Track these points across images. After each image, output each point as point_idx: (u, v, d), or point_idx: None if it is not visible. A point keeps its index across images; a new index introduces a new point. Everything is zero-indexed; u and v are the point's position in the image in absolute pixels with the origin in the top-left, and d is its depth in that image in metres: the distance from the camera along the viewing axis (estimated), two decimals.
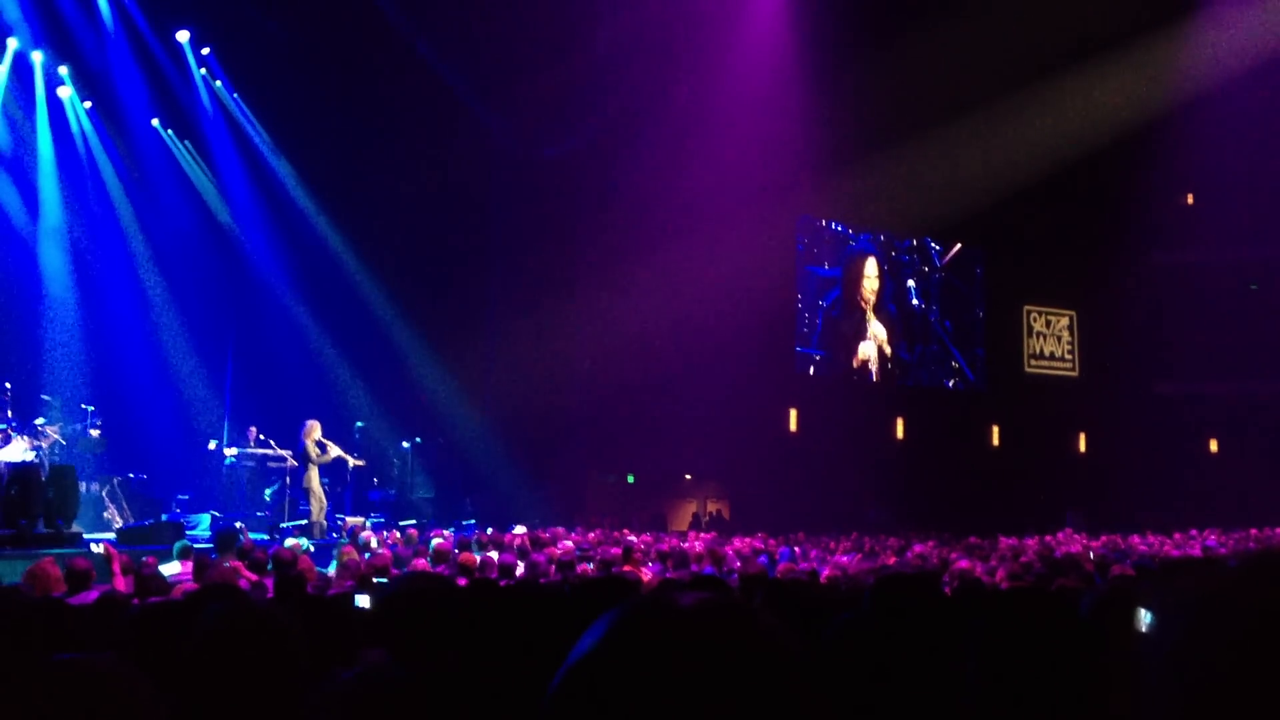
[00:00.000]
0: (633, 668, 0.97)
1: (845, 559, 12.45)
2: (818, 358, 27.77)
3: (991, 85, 24.18)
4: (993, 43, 22.66)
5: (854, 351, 28.44)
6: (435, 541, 11.43)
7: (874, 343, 28.66)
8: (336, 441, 17.61)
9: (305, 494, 16.88)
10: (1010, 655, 2.34)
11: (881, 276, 28.98)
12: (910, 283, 29.66)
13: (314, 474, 16.83)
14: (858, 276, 28.69)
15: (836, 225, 28.49)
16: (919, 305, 29.73)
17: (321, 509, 16.82)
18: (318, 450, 16.92)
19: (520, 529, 15.42)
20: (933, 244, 29.96)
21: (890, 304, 29.13)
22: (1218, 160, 27.16)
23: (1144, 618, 1.17)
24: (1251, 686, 1.04)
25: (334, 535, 16.43)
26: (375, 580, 7.73)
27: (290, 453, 17.68)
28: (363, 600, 5.85)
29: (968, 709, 2.38)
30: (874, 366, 28.63)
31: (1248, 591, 1.10)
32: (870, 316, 28.71)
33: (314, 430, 17.00)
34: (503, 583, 7.01)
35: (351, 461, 18.24)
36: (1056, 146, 25.81)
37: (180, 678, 2.48)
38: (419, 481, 21.83)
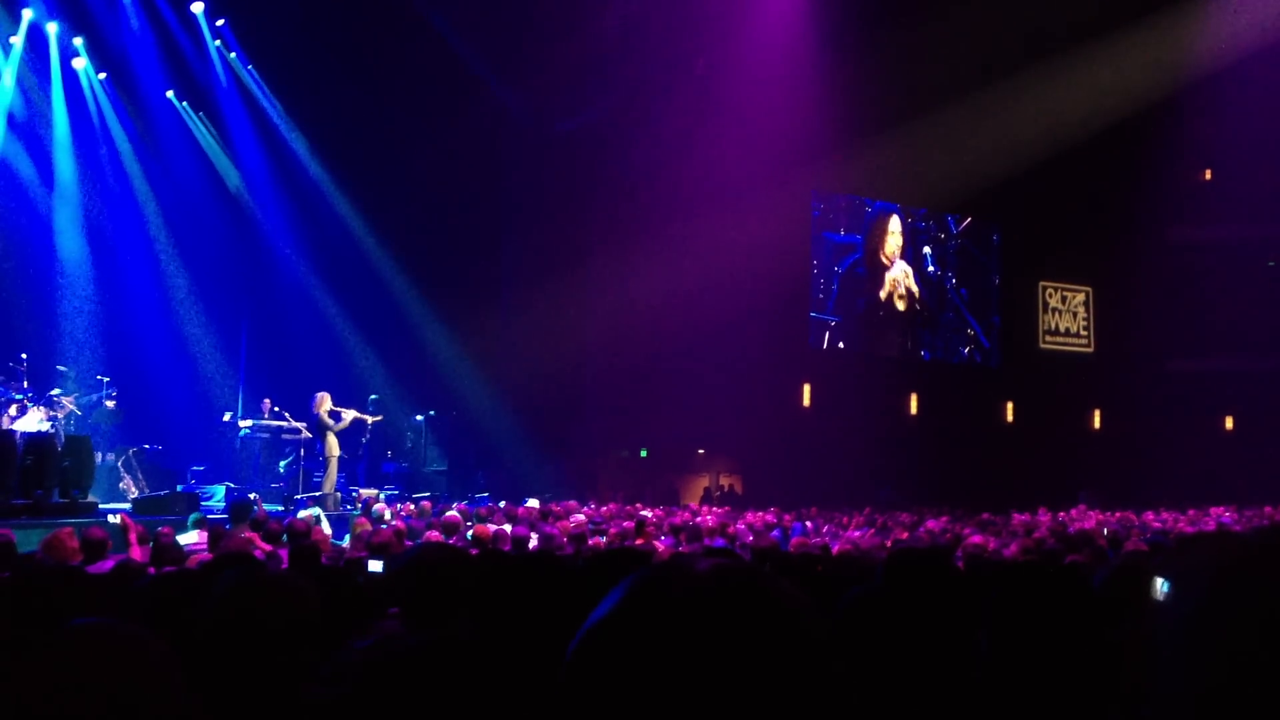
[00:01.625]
0: (650, 630, 0.97)
1: (857, 534, 12.46)
2: (833, 323, 27.68)
3: (1008, 59, 24.02)
4: (1009, 17, 22.50)
5: (880, 283, 28.46)
6: (448, 514, 11.43)
7: (900, 269, 28.65)
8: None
9: (326, 463, 16.97)
10: (1023, 628, 2.34)
11: (904, 233, 28.93)
12: (926, 249, 29.56)
13: (333, 442, 16.92)
14: (881, 234, 28.64)
15: (852, 198, 28.42)
16: (935, 272, 29.62)
17: (332, 481, 16.90)
18: (332, 420, 17.02)
19: (533, 502, 15.47)
20: (950, 218, 29.88)
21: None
22: (1236, 136, 26.93)
23: (1160, 587, 1.16)
24: (1267, 657, 1.04)
25: (348, 508, 16.51)
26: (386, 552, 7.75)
27: (304, 425, 17.76)
28: (375, 565, 5.88)
29: (981, 681, 2.38)
30: (901, 292, 28.59)
31: (1264, 563, 1.10)
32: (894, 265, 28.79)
33: (324, 402, 17.06)
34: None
35: (370, 419, 18.36)
36: (1073, 121, 25.61)
37: (197, 644, 2.50)
38: (432, 455, 21.89)
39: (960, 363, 29.81)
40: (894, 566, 3.61)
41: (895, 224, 28.81)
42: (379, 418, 18.85)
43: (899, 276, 28.69)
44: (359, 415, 17.84)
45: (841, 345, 27.80)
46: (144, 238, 19.96)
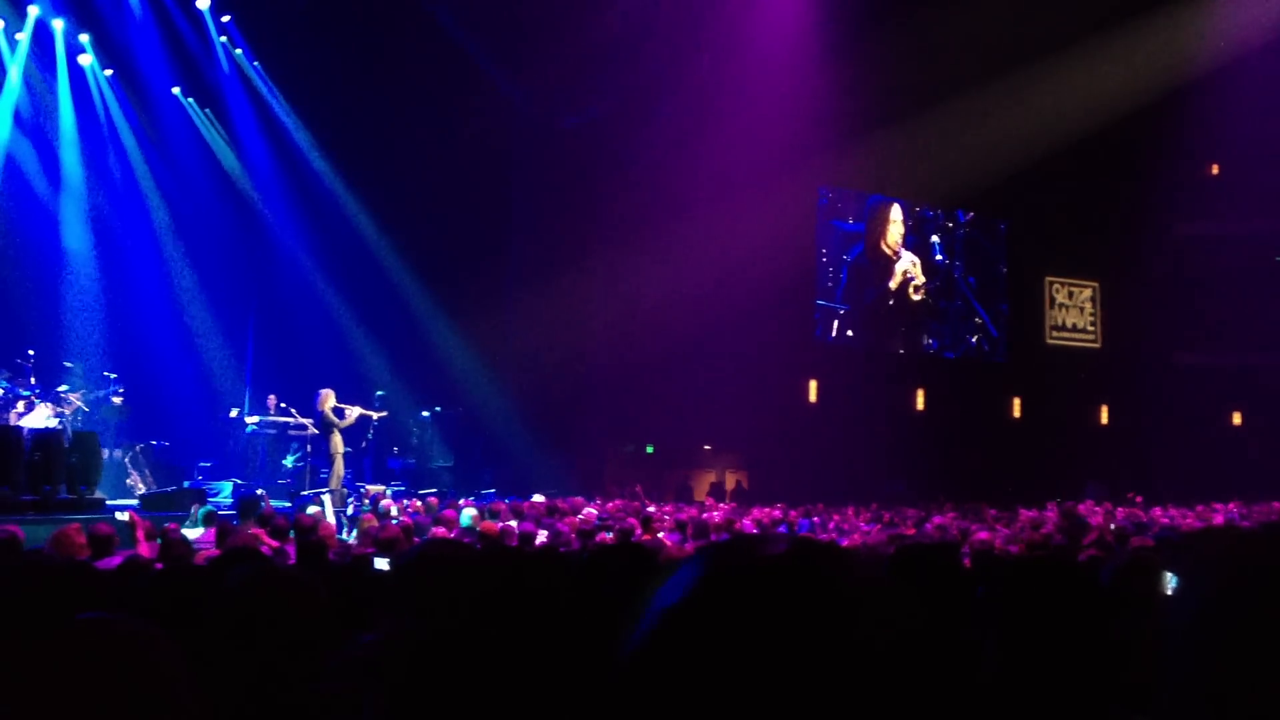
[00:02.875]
0: (737, 613, 0.94)
1: (866, 528, 12.45)
2: (841, 312, 27.60)
3: (1014, 54, 23.91)
4: (1016, 11, 22.43)
5: (889, 274, 28.39)
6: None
7: (908, 259, 28.57)
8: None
9: (330, 459, 16.94)
10: (1030, 623, 2.33)
11: (905, 222, 28.83)
12: (934, 238, 29.49)
13: (337, 439, 16.88)
14: (883, 223, 28.53)
15: (859, 193, 28.36)
16: (942, 261, 29.54)
17: (338, 478, 16.88)
18: (337, 417, 16.98)
19: (539, 498, 15.46)
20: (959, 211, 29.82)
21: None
22: (1243, 131, 26.87)
23: (1169, 581, 1.16)
24: (1276, 652, 1.03)
25: (354, 503, 16.51)
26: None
27: (311, 421, 17.76)
28: (381, 563, 5.88)
29: (987, 678, 2.38)
30: (917, 283, 28.52)
31: (1272, 558, 1.10)
32: (899, 256, 28.70)
33: (328, 399, 17.00)
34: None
35: (374, 415, 18.35)
36: (1080, 116, 25.51)
37: (205, 640, 2.50)
38: (438, 451, 21.89)
39: (967, 355, 29.72)
40: (901, 562, 3.60)
41: (896, 213, 28.71)
42: (384, 413, 18.86)
43: (908, 267, 28.62)
44: (363, 411, 17.82)
45: (850, 334, 27.71)
46: (150, 234, 19.99)
